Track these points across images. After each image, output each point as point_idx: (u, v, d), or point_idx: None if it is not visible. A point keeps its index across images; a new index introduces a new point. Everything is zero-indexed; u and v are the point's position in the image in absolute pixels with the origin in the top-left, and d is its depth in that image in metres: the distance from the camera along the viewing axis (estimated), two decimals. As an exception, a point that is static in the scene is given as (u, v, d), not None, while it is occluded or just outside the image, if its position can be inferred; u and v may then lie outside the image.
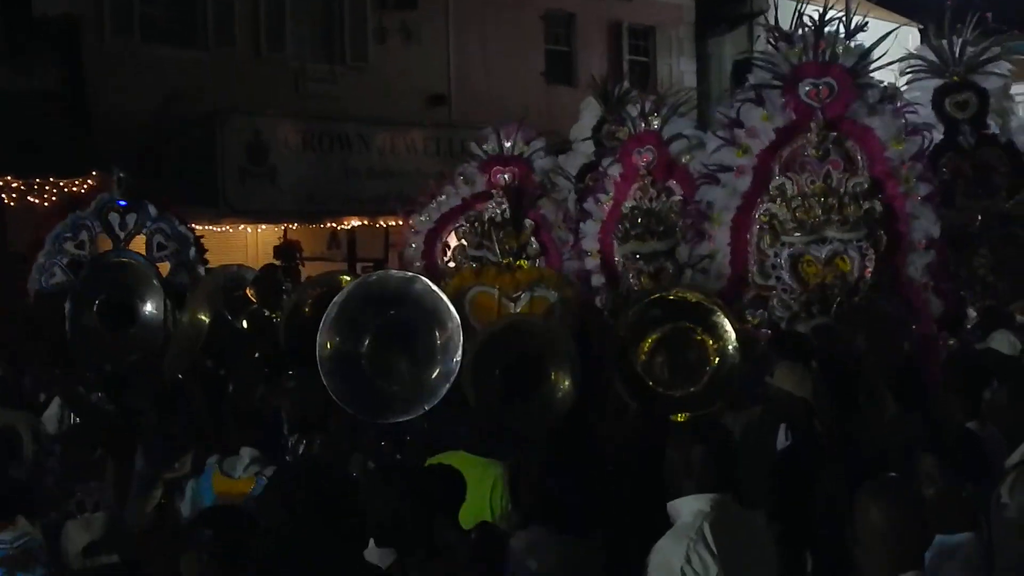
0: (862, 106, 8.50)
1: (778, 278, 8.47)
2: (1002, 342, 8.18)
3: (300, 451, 6.18)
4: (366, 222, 19.44)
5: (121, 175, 11.16)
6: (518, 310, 7.62)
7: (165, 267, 10.91)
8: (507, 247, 10.18)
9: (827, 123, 8.45)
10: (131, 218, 11.16)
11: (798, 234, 8.39)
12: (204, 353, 7.85)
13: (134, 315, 8.69)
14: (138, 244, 11.22)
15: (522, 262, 9.91)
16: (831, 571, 4.72)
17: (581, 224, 10.60)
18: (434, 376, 6.00)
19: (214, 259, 17.32)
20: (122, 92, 16.74)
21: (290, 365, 7.19)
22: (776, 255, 8.51)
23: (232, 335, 7.97)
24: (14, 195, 15.33)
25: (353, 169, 19.13)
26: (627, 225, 10.00)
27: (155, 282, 8.96)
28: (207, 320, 7.84)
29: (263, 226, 18.94)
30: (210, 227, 18.09)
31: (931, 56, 11.36)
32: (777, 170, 8.64)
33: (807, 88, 8.49)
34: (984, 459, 4.70)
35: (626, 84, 12.82)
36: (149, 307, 8.65)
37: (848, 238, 8.28)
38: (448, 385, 5.95)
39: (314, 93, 19.72)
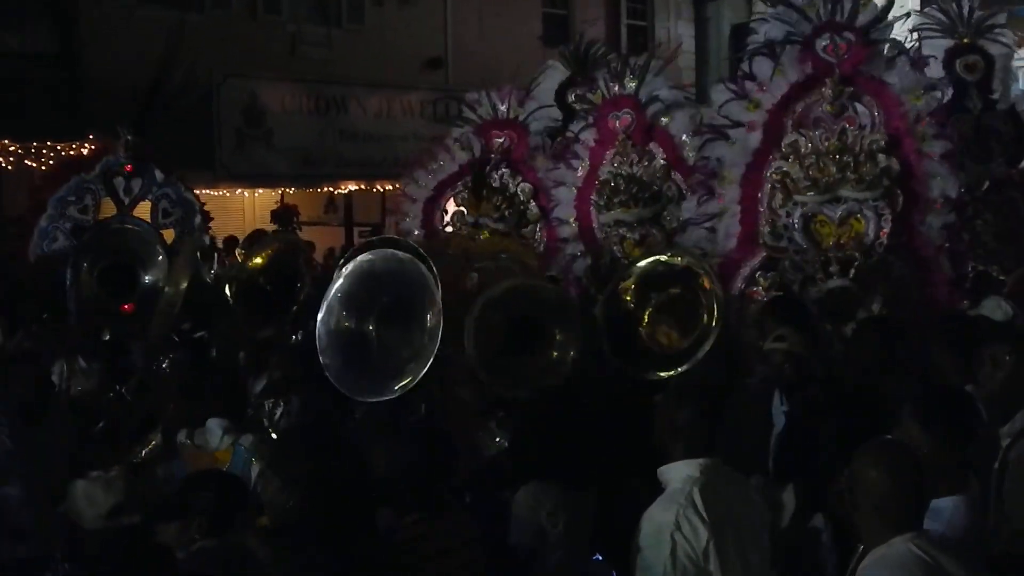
0: (879, 60, 8.38)
1: (790, 239, 8.38)
2: (994, 309, 8.17)
3: (276, 415, 6.10)
4: (363, 186, 19.41)
5: (129, 137, 11.03)
6: (480, 278, 7.48)
7: (170, 234, 10.83)
8: (493, 215, 10.13)
9: (843, 78, 8.33)
10: (136, 183, 11.01)
11: (811, 193, 8.23)
12: (183, 317, 7.85)
13: (136, 283, 8.66)
14: (143, 210, 11.09)
15: (484, 232, 9.88)
16: (843, 532, 4.72)
17: (554, 192, 10.49)
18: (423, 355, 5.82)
19: (212, 224, 17.36)
20: (118, 54, 16.64)
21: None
22: (788, 215, 8.41)
23: (215, 299, 7.99)
24: (11, 159, 15.27)
25: (349, 132, 19.08)
26: (609, 193, 9.88)
27: (158, 249, 8.92)
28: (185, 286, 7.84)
29: (260, 190, 18.90)
30: (207, 191, 18.04)
31: (940, 15, 11.26)
32: (790, 126, 8.50)
33: (825, 43, 8.36)
34: (975, 421, 4.69)
35: (598, 45, 12.57)
36: (151, 275, 8.61)
37: (863, 198, 8.13)
38: (428, 364, 5.74)
39: (310, 56, 19.61)
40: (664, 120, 9.90)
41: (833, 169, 8.17)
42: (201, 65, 16.62)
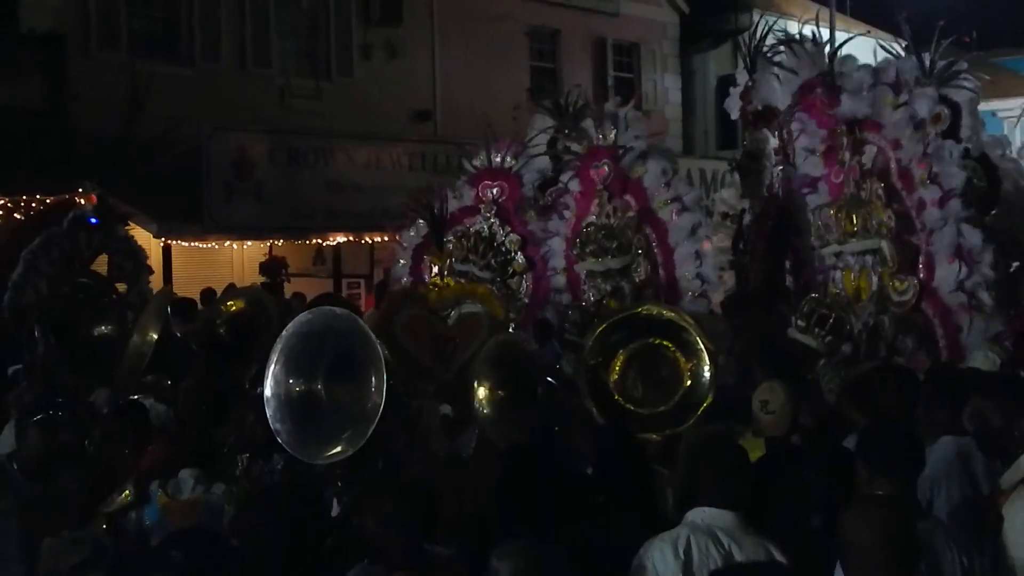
0: (882, 103, 8.39)
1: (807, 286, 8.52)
2: (982, 359, 8.19)
3: (253, 471, 5.98)
4: (351, 238, 19.43)
5: (99, 192, 11.23)
6: (450, 325, 7.46)
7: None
8: (479, 263, 10.16)
9: (848, 127, 8.37)
10: (97, 236, 11.23)
11: (828, 244, 8.36)
12: (151, 370, 7.85)
13: (88, 336, 8.74)
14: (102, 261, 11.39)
15: (449, 280, 9.93)
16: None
17: (548, 242, 10.57)
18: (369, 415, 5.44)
19: (200, 275, 17.35)
20: (107, 108, 16.68)
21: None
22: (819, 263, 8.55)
23: (183, 352, 8.01)
24: (0, 212, 15.28)
25: (338, 185, 19.11)
26: (582, 242, 9.98)
27: (111, 302, 9.03)
28: (155, 338, 7.88)
29: (248, 242, 18.91)
30: (195, 243, 18.07)
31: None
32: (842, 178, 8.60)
33: (817, 94, 8.45)
34: (917, 462, 4.71)
35: (573, 97, 12.64)
36: (103, 327, 8.68)
37: (856, 250, 8.22)
38: (374, 425, 5.37)
39: (300, 109, 19.74)
40: (639, 171, 9.99)
41: (835, 223, 8.26)
42: (190, 118, 16.73)
